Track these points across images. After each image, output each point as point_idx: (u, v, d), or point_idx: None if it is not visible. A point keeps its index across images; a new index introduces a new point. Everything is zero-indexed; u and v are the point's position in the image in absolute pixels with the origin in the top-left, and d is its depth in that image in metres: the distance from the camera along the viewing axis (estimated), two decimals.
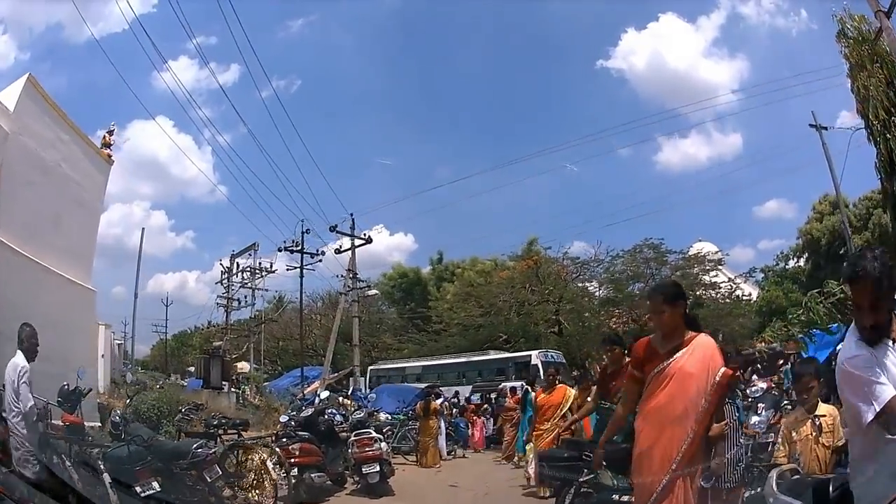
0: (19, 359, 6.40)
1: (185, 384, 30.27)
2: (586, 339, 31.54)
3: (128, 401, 10.00)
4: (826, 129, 22.94)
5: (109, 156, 15.86)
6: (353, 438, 10.02)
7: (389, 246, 57.44)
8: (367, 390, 25.86)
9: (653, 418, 3.99)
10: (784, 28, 56.47)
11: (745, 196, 60.98)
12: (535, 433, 9.27)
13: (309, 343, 41.22)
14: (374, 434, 10.25)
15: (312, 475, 8.98)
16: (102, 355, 23.73)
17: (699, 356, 3.97)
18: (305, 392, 16.26)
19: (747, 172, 59.77)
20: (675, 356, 3.99)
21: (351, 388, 25.64)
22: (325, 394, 13.81)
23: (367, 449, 9.80)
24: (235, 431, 9.36)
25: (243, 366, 34.31)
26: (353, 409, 15.65)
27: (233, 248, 35.15)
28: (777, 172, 58.24)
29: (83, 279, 14.43)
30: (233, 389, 28.96)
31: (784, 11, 58.29)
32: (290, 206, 62.52)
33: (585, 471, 5.34)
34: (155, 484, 6.55)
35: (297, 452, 9.02)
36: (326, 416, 10.82)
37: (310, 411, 10.59)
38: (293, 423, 10.48)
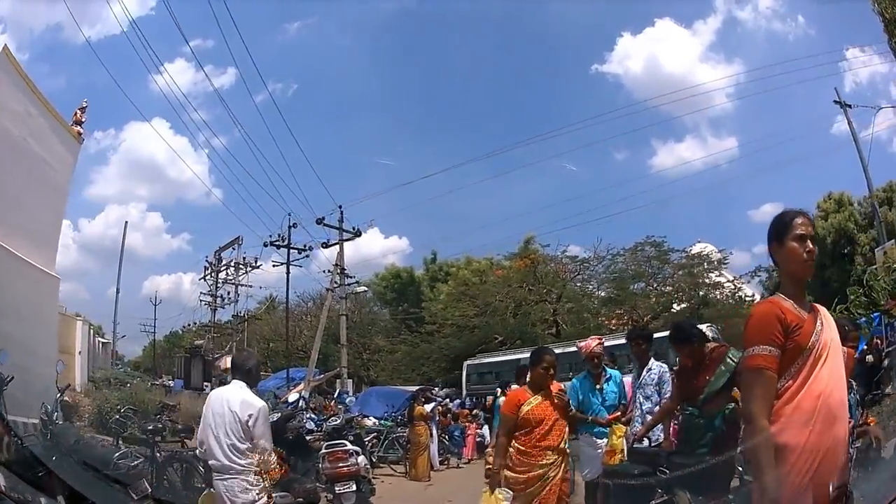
0: (245, 393, 5.11)
1: (171, 384, 29.22)
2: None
3: (58, 395, 8.62)
4: (850, 106, 22.34)
5: (80, 133, 14.98)
6: (323, 451, 8.45)
7: (384, 248, 56.63)
8: (352, 393, 24.54)
9: (821, 417, 2.53)
10: (781, 33, 55.29)
11: (740, 200, 59.70)
12: (522, 461, 4.93)
13: (299, 344, 40.06)
14: (349, 446, 8.65)
15: (273, 495, 7.47)
16: (80, 352, 22.74)
17: (832, 325, 2.73)
18: (289, 395, 14.76)
19: (743, 176, 58.43)
20: (818, 322, 2.67)
21: (337, 391, 24.17)
22: (293, 396, 12.20)
23: (340, 464, 8.24)
24: (178, 440, 7.89)
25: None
26: (332, 413, 14.17)
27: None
28: (773, 176, 56.90)
29: (47, 265, 13.48)
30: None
31: (781, 16, 57.13)
32: (286, 208, 61.22)
33: (659, 491, 4.22)
34: (61, 499, 5.09)
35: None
36: (296, 423, 9.30)
37: (275, 416, 9.04)
38: None
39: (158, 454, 7.35)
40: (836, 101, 22.59)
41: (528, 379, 5.36)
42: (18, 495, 3.06)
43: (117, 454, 6.30)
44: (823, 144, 47.99)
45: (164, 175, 65.25)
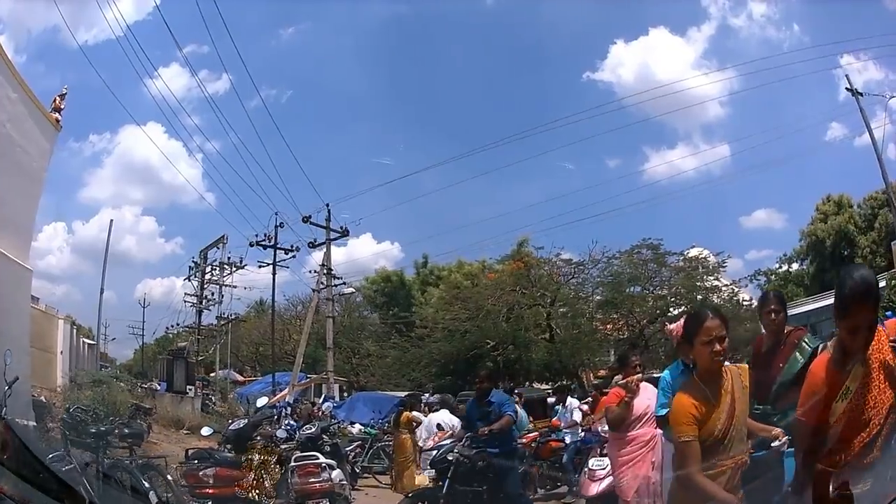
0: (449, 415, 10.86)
1: (159, 388, 28.46)
2: (580, 345, 29.44)
3: (6, 389, 7.69)
4: (862, 94, 22.16)
5: (58, 121, 14.67)
6: (293, 465, 7.42)
7: (376, 254, 56.20)
8: (338, 398, 23.62)
9: None
10: (776, 40, 54.79)
11: (732, 206, 59.13)
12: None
13: (288, 348, 39.26)
14: (322, 460, 7.55)
15: None
16: (61, 351, 21.94)
17: None
18: (258, 400, 13.73)
19: (735, 183, 57.94)
20: None
21: (322, 396, 23.21)
22: (262, 400, 11.09)
23: (311, 479, 7.17)
24: (126, 445, 6.91)
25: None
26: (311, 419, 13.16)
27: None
28: (764, 182, 56.58)
29: (20, 256, 12.95)
30: (200, 393, 26.99)
31: (776, 22, 56.71)
32: (278, 212, 60.35)
33: None
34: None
35: (211, 480, 6.55)
36: (265, 431, 8.31)
37: (241, 423, 8.02)
38: (224, 437, 8.05)
39: (103, 460, 6.40)
40: (847, 89, 22.56)
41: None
42: (19, 496, 2.79)
43: (50, 456, 5.39)
44: (817, 151, 47.64)
45: (159, 178, 64.80)
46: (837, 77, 44.93)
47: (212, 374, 33.81)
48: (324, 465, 7.37)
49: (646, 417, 5.69)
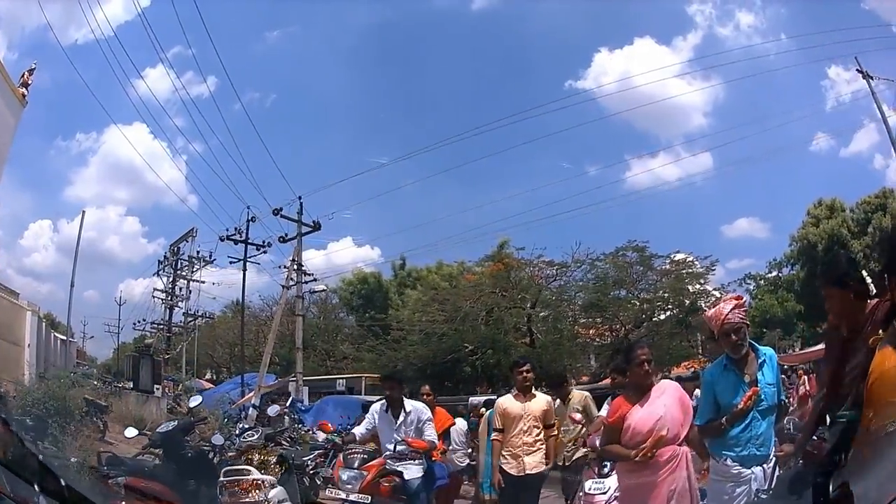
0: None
1: (131, 386, 27.37)
2: (561, 350, 28.54)
3: None
4: (873, 77, 21.99)
5: (24, 96, 14.57)
6: (222, 479, 6.11)
7: (356, 258, 56.11)
8: (308, 401, 22.46)
9: None
10: (762, 50, 54.72)
11: (714, 214, 58.94)
12: None
13: (263, 349, 38.09)
14: (256, 475, 6.19)
15: None
16: (29, 344, 20.87)
17: None
18: (189, 399, 12.39)
19: (717, 191, 57.69)
20: None
21: (290, 399, 21.98)
22: (195, 399, 9.60)
23: (244, 499, 5.88)
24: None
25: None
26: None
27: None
28: (747, 191, 56.28)
29: None
30: (169, 393, 25.95)
31: (762, 32, 56.50)
32: (264, 220, 59.11)
33: None
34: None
35: (122, 491, 5.35)
36: (198, 436, 7.06)
37: (170, 425, 6.73)
38: (150, 440, 6.82)
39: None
40: (858, 70, 22.69)
41: None
42: (19, 496, 2.58)
43: None
44: (802, 160, 47.54)
45: (143, 179, 65.82)
46: (825, 88, 44.98)
47: (180, 380, 32.63)
48: (259, 480, 6.06)
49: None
